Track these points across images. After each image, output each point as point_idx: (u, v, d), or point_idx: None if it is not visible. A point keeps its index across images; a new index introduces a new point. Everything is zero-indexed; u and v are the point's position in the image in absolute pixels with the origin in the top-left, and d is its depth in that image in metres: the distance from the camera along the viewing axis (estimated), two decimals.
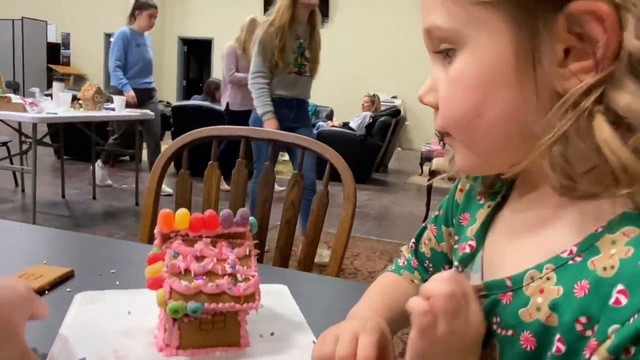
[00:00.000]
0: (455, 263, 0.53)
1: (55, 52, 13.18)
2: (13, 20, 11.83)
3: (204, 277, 0.52)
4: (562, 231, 0.41)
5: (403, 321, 0.56)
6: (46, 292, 0.66)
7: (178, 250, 0.55)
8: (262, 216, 1.25)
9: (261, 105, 2.84)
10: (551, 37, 0.37)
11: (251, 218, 0.57)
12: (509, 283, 0.42)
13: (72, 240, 0.88)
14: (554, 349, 0.37)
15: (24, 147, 4.28)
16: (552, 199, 0.42)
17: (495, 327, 0.43)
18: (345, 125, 6.80)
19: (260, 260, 1.25)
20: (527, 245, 0.44)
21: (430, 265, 0.63)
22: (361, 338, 0.48)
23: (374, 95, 6.87)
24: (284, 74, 2.86)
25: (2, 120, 3.57)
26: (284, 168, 6.24)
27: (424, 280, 0.63)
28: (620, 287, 0.34)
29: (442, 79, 0.43)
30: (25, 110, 3.27)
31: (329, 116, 8.94)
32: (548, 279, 0.39)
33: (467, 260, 0.50)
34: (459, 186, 0.59)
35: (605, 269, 0.36)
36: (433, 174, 4.25)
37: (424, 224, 0.66)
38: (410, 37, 11.63)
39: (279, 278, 0.79)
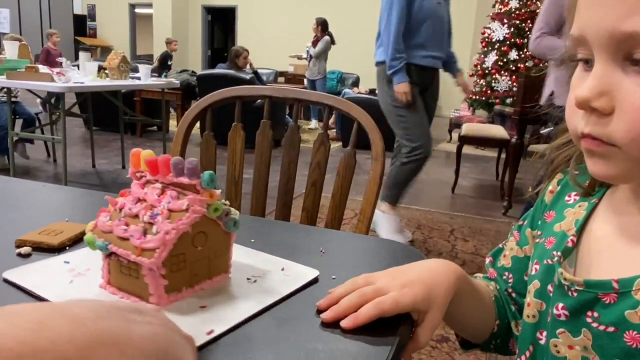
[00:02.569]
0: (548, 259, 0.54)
1: (82, 24, 13.29)
2: None
3: (122, 219, 0.52)
4: None
5: (470, 296, 0.59)
6: (67, 247, 0.65)
7: (133, 190, 0.55)
8: (287, 178, 1.22)
9: None
10: None
11: (207, 172, 0.52)
12: (615, 285, 0.44)
13: (94, 199, 0.87)
14: None
15: (53, 118, 4.35)
16: None
17: (589, 320, 0.46)
18: (372, 92, 6.68)
19: (287, 220, 1.23)
20: (634, 251, 0.46)
21: (510, 275, 0.65)
22: (380, 298, 0.50)
23: None
24: None
25: (30, 91, 3.61)
26: (310, 137, 6.21)
27: (503, 290, 0.66)
28: None
29: (631, 87, 0.39)
30: (52, 80, 3.30)
31: (355, 83, 8.81)
32: None
33: (567, 253, 0.52)
34: (550, 188, 0.60)
35: None
36: (463, 139, 4.15)
37: (499, 245, 0.69)
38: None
39: (305, 234, 0.76)
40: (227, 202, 0.56)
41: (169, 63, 8.68)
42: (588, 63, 0.42)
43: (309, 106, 7.63)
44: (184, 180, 0.52)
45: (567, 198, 0.57)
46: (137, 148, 0.57)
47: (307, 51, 7.44)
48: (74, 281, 0.56)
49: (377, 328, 0.48)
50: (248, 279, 0.58)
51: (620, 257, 0.47)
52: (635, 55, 0.38)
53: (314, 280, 0.58)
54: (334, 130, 6.82)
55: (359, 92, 6.94)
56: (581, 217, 0.52)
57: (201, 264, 0.55)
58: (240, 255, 0.63)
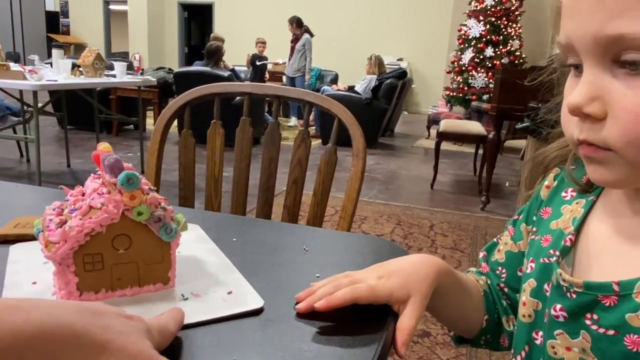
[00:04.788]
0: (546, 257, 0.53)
1: (54, 21, 13.00)
2: None
3: (55, 210, 0.53)
4: None
5: (457, 289, 0.60)
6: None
7: (86, 183, 0.55)
8: (268, 175, 1.21)
9: None
10: None
11: (124, 172, 0.49)
12: (616, 288, 0.44)
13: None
14: None
15: (26, 116, 4.24)
16: None
17: (589, 322, 0.46)
18: (351, 88, 6.69)
19: (268, 219, 1.22)
20: (633, 253, 0.45)
21: (504, 270, 0.65)
22: (356, 286, 0.50)
23: (372, 56, 6.61)
24: None
25: (2, 89, 3.51)
26: (289, 134, 6.19)
27: (495, 284, 0.65)
28: None
29: (621, 90, 0.39)
30: (24, 78, 3.21)
31: (334, 80, 8.81)
32: None
33: (565, 252, 0.51)
34: (546, 183, 0.59)
35: None
36: (441, 135, 4.18)
37: (494, 240, 0.68)
38: None
39: (287, 232, 0.75)
40: (168, 208, 0.53)
41: (257, 64, 8.43)
42: (578, 69, 0.42)
43: (287, 104, 7.61)
44: (110, 177, 0.51)
45: (564, 194, 0.56)
46: (102, 143, 0.56)
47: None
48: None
49: (363, 327, 0.48)
50: (182, 294, 0.53)
51: (620, 259, 0.47)
52: (622, 57, 0.38)
53: (258, 311, 0.51)
54: (313, 127, 6.81)
55: (337, 89, 6.93)
56: (579, 215, 0.52)
57: (127, 268, 0.52)
58: (201, 267, 0.60)
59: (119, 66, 3.99)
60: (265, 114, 6.35)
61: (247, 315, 0.50)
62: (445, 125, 4.27)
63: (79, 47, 12.33)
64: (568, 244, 0.51)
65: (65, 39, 12.88)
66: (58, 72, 3.69)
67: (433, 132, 6.37)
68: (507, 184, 4.38)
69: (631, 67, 0.38)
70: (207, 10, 12.39)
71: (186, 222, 0.56)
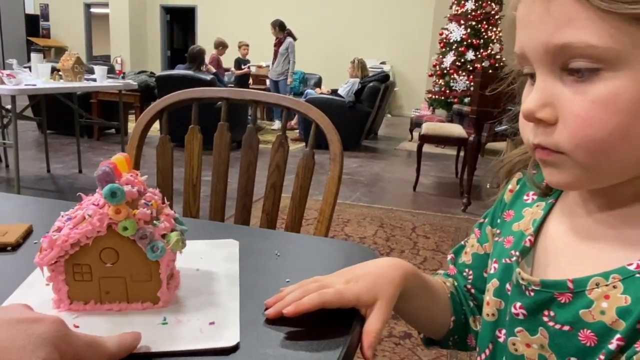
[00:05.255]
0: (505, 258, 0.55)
1: (34, 24, 12.83)
2: None
3: (64, 216, 0.53)
4: (627, 244, 0.45)
5: (423, 291, 0.61)
6: (21, 244, 0.66)
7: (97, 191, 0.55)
8: (246, 180, 1.22)
9: None
10: None
11: (108, 186, 0.49)
12: (570, 285, 0.45)
13: (27, 202, 0.85)
14: (612, 346, 0.41)
15: (5, 121, 4.17)
16: (620, 211, 0.46)
17: (546, 319, 0.47)
18: (334, 92, 6.71)
19: (246, 224, 1.22)
20: (587, 252, 0.47)
21: (471, 272, 0.66)
22: (324, 291, 0.51)
23: (354, 60, 6.64)
24: None
25: None
26: (273, 137, 6.18)
27: (462, 286, 0.67)
28: None
29: (569, 96, 0.41)
30: (2, 83, 3.17)
31: (318, 83, 8.83)
32: (614, 287, 0.43)
33: (525, 253, 0.53)
34: (509, 187, 0.62)
35: None
36: (423, 138, 4.22)
37: (462, 242, 0.70)
38: (399, 1, 11.44)
39: (261, 238, 0.76)
40: (163, 225, 0.51)
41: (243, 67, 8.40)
42: (533, 77, 0.44)
43: (272, 107, 7.61)
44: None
45: (525, 197, 0.58)
46: (121, 154, 0.56)
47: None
48: None
49: (330, 331, 0.49)
50: (165, 318, 0.51)
51: (575, 258, 0.48)
52: (570, 65, 0.40)
53: (229, 350, 0.46)
54: (297, 131, 6.82)
55: (321, 93, 6.95)
56: (539, 217, 0.54)
57: (115, 283, 0.52)
58: (206, 289, 0.58)
59: (100, 70, 3.95)
60: (249, 117, 6.34)
61: (216, 353, 0.46)
62: (427, 128, 4.31)
63: (60, 51, 12.18)
64: (528, 244, 0.53)
65: (45, 42, 12.72)
66: (37, 76, 3.64)
67: (416, 134, 6.41)
68: (487, 186, 4.42)
69: (578, 75, 0.40)
70: (190, 13, 12.34)
71: (181, 240, 0.52)
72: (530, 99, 0.43)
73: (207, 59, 7.75)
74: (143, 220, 0.50)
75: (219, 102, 1.20)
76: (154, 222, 0.51)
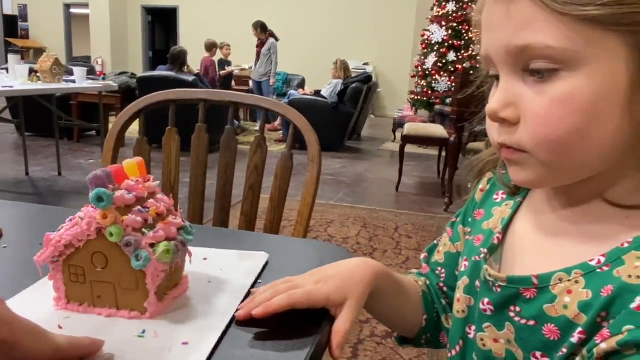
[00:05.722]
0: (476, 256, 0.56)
1: (12, 25, 12.61)
2: None
3: (71, 218, 0.54)
4: (588, 240, 0.46)
5: (394, 290, 0.62)
6: None
7: None
8: (224, 182, 1.21)
9: None
10: None
11: (98, 190, 0.48)
12: (535, 281, 0.47)
13: (1, 205, 0.84)
14: (574, 339, 0.43)
15: None
16: (581, 208, 0.47)
17: (512, 314, 0.49)
18: (317, 93, 6.72)
19: (225, 225, 1.22)
20: (551, 248, 0.49)
21: (443, 270, 0.67)
22: (292, 291, 0.52)
23: (337, 60, 6.64)
24: None
25: None
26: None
27: (435, 284, 0.68)
28: None
29: (530, 96, 0.42)
30: None
31: (300, 84, 8.82)
32: (576, 282, 0.44)
33: (492, 250, 0.54)
34: (480, 186, 0.63)
35: (630, 276, 0.41)
36: (404, 139, 4.24)
37: (434, 241, 0.72)
38: (381, 3, 11.47)
39: (237, 240, 0.76)
40: (149, 233, 0.50)
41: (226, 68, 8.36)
42: (498, 79, 0.46)
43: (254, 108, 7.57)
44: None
45: (495, 196, 0.60)
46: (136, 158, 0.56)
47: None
48: None
49: (298, 331, 0.49)
50: (144, 330, 0.49)
51: (539, 254, 0.50)
52: (530, 66, 0.41)
53: None
54: (280, 132, 6.81)
55: (304, 94, 6.95)
56: (506, 215, 0.55)
57: (105, 288, 0.51)
58: (203, 304, 0.55)
59: (79, 71, 3.91)
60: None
61: None
62: (408, 128, 4.33)
63: (39, 52, 11.98)
64: (495, 242, 0.54)
65: (24, 43, 12.51)
66: (14, 78, 3.59)
67: (399, 135, 6.45)
68: (468, 185, 4.47)
69: (539, 75, 0.41)
70: (172, 13, 12.24)
71: (171, 251, 0.50)
72: (494, 99, 0.44)
73: (198, 63, 7.72)
74: (131, 226, 0.50)
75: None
76: (144, 229, 0.50)
